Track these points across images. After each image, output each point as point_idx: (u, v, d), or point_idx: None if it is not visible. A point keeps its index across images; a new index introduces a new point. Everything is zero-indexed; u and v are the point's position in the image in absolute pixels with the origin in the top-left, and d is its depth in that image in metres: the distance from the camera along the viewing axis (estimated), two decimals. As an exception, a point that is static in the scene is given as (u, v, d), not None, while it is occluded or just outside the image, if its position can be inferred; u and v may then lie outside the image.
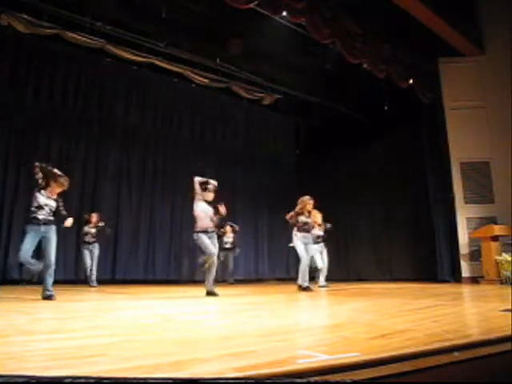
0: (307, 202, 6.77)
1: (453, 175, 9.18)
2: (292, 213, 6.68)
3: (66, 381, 1.14)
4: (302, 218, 6.63)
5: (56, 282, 7.84)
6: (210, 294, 5.43)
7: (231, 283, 9.37)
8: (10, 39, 8.16)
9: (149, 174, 10.11)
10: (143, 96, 10.08)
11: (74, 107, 9.25)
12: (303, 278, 6.41)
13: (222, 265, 9.57)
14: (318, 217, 7.97)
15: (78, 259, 8.50)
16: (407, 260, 10.33)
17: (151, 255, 9.85)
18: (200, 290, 6.01)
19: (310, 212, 6.79)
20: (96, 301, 5.06)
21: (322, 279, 7.85)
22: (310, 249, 6.67)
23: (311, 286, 6.45)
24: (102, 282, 8.45)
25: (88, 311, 3.81)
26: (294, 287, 8.06)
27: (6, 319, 3.07)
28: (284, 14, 7.37)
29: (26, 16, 7.73)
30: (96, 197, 9.39)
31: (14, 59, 8.37)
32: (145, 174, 10.07)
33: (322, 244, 7.96)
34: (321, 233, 7.97)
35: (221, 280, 9.27)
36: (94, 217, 8.12)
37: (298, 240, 6.59)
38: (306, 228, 6.65)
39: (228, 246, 9.84)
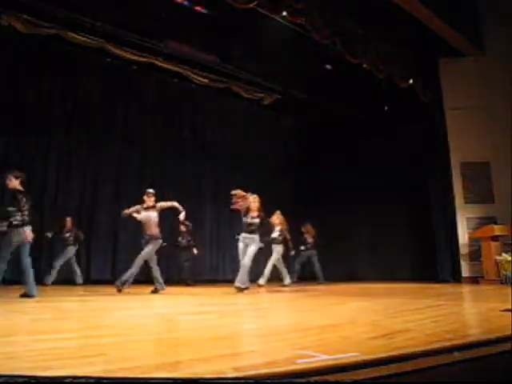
0: (252, 201, 6.44)
1: (453, 175, 9.19)
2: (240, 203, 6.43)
3: (66, 381, 1.15)
4: (247, 220, 6.39)
5: (57, 283, 7.89)
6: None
7: (188, 284, 8.88)
8: (9, 39, 8.15)
9: (149, 174, 10.10)
10: (143, 96, 10.08)
11: (73, 107, 9.24)
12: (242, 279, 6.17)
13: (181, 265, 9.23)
14: (279, 219, 8.11)
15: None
16: (407, 260, 10.32)
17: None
18: (200, 290, 6.02)
19: (257, 211, 6.44)
20: (96, 301, 5.06)
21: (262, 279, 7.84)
22: (250, 250, 6.30)
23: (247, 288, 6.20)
24: (102, 282, 8.45)
25: (88, 311, 3.81)
26: (294, 288, 8.07)
27: (6, 319, 3.07)
28: (284, 14, 7.37)
29: (25, 16, 7.73)
30: (96, 197, 9.38)
31: (14, 59, 8.37)
32: (144, 174, 10.06)
33: (275, 246, 8.03)
34: (275, 234, 8.09)
35: (178, 280, 8.97)
36: (69, 221, 8.16)
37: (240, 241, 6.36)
38: (250, 229, 6.37)
39: (182, 245, 9.34)
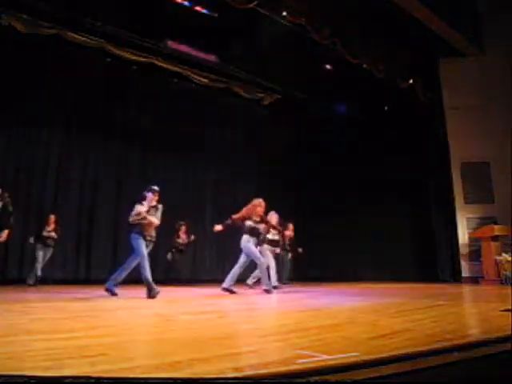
0: (258, 205, 6.30)
1: (453, 175, 9.19)
2: (238, 215, 6.29)
3: (66, 381, 1.15)
4: (250, 223, 6.23)
5: (56, 282, 7.90)
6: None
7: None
8: (9, 39, 8.15)
9: (149, 174, 10.09)
10: (143, 96, 10.07)
11: (74, 107, 9.24)
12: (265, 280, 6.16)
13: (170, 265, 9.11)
14: (273, 219, 7.40)
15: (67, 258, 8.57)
16: (407, 260, 10.32)
17: (152, 255, 9.83)
18: (200, 290, 6.03)
19: (261, 216, 6.35)
20: (96, 301, 5.06)
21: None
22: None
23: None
24: (102, 282, 8.45)
25: (88, 311, 3.81)
26: (294, 288, 8.06)
27: (6, 319, 3.07)
28: (284, 14, 7.37)
29: (25, 16, 7.72)
30: (96, 197, 9.38)
31: (14, 59, 8.36)
32: (144, 174, 10.05)
33: (274, 249, 7.71)
34: (275, 237, 7.66)
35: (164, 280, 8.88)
36: (52, 218, 7.90)
37: (250, 243, 6.19)
38: (253, 233, 6.27)
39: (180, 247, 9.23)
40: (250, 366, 1.44)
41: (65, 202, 8.90)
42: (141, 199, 5.78)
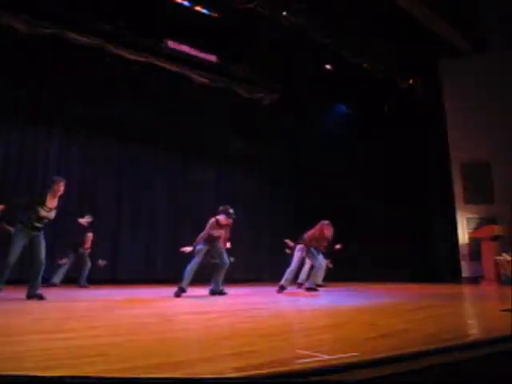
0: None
1: (453, 175, 9.19)
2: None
3: (66, 381, 1.15)
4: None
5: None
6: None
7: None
8: (9, 39, 8.15)
9: (149, 174, 10.10)
10: (143, 96, 10.07)
11: (73, 107, 9.24)
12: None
13: None
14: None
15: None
16: (407, 260, 10.31)
17: (152, 255, 9.84)
18: (200, 290, 6.03)
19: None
20: (95, 301, 5.06)
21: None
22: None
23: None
24: (102, 282, 8.45)
25: (88, 311, 3.81)
26: (294, 289, 8.05)
27: (6, 319, 3.07)
28: (284, 13, 7.37)
29: (26, 16, 7.72)
30: (95, 196, 9.38)
31: (14, 59, 8.36)
32: (145, 174, 10.05)
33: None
34: None
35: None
36: (90, 237, 7.87)
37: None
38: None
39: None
40: (250, 365, 1.44)
41: (64, 201, 8.88)
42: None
